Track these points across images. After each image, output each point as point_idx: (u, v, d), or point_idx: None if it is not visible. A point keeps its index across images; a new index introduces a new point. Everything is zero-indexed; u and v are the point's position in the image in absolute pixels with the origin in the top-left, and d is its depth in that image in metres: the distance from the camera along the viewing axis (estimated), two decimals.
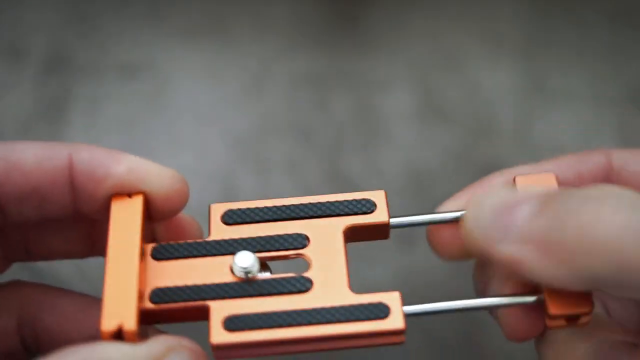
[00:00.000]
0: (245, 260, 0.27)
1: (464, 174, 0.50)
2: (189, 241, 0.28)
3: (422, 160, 0.50)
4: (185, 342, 0.25)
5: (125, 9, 0.54)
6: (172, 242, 0.28)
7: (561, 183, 0.28)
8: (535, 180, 0.28)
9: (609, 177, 0.29)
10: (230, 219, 0.28)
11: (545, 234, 0.24)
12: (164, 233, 0.29)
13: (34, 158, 0.27)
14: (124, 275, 0.26)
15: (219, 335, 0.25)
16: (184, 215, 0.29)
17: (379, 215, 0.29)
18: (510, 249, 0.25)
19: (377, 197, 0.29)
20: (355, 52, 0.53)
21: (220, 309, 0.26)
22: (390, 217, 0.29)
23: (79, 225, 0.30)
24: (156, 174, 0.27)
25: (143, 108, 0.52)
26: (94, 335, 0.28)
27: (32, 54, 0.53)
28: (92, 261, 0.47)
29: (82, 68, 0.52)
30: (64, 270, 0.46)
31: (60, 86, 0.52)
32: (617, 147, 0.52)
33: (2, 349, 0.30)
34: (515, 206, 0.25)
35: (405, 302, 0.26)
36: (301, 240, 0.28)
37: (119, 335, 0.25)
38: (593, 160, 0.30)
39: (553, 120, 0.52)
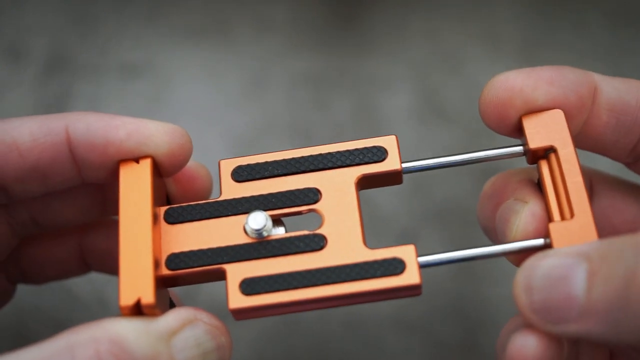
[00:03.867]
0: (257, 222, 0.26)
1: (464, 175, 0.50)
2: (201, 202, 0.27)
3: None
4: (201, 315, 0.25)
5: (126, 9, 0.54)
6: (184, 204, 0.27)
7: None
8: (542, 118, 0.27)
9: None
10: (241, 176, 0.28)
11: (607, 305, 0.22)
12: (175, 184, 0.29)
13: (30, 137, 0.26)
14: (138, 245, 0.25)
15: (236, 300, 0.26)
16: (192, 163, 0.29)
17: (392, 163, 0.28)
18: (574, 328, 0.23)
19: (388, 143, 0.28)
20: (355, 52, 0.54)
21: (236, 272, 0.26)
22: (402, 163, 0.28)
23: (88, 190, 0.30)
24: (156, 134, 0.26)
25: (143, 108, 0.52)
26: (73, 251, 0.30)
27: (33, 54, 0.53)
28: None
29: (83, 68, 0.52)
30: None
31: (61, 86, 0.52)
32: None
33: None
34: (568, 278, 0.23)
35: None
36: (313, 195, 0.28)
37: (137, 308, 0.25)
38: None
39: None
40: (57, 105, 0.51)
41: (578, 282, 0.23)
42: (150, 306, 0.25)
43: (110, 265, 0.33)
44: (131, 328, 0.24)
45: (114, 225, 0.30)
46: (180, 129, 0.27)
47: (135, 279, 0.25)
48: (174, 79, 0.53)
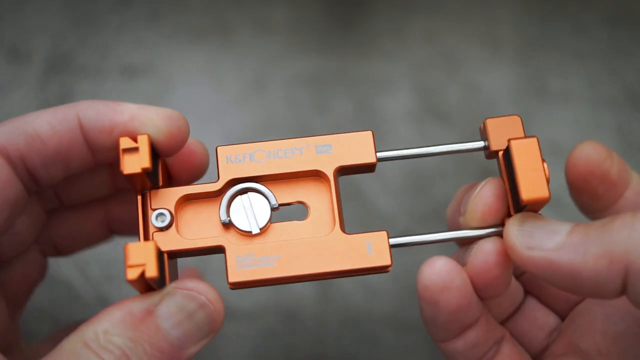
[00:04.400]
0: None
1: (463, 175, 0.51)
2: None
3: (421, 161, 0.50)
4: (182, 284, 0.28)
5: (126, 10, 0.54)
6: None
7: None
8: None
9: None
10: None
11: (582, 239, 0.27)
12: (175, 158, 0.32)
13: (48, 126, 0.29)
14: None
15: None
16: (190, 139, 0.32)
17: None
18: (543, 254, 0.27)
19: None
20: (355, 54, 0.54)
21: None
22: (377, 155, 0.31)
23: (101, 170, 0.33)
24: (156, 117, 0.29)
25: None
26: (101, 220, 0.34)
27: (35, 55, 0.53)
28: (92, 260, 0.47)
29: (84, 69, 0.53)
30: (65, 270, 0.47)
31: (63, 87, 0.52)
32: (616, 147, 0.52)
33: (37, 274, 0.34)
34: (554, 224, 0.28)
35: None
36: None
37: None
38: None
39: (551, 121, 0.52)
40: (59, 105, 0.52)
41: (562, 227, 0.28)
42: (153, 279, 0.27)
43: (131, 228, 0.36)
44: (120, 311, 0.27)
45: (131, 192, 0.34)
46: (178, 113, 0.30)
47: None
48: (175, 80, 0.53)
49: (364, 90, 0.53)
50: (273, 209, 0.31)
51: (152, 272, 0.27)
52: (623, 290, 0.26)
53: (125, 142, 0.28)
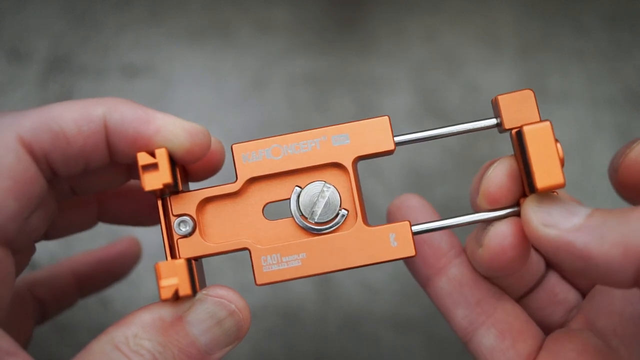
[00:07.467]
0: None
1: (463, 174, 0.51)
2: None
3: (421, 160, 0.50)
4: (213, 291, 0.29)
5: (126, 10, 0.54)
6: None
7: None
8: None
9: None
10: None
11: (600, 223, 0.26)
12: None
13: (75, 125, 0.29)
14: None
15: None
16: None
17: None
18: (558, 234, 0.27)
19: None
20: (355, 53, 0.54)
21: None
22: (395, 140, 0.30)
23: (116, 166, 0.33)
24: (181, 134, 0.29)
25: None
26: (92, 208, 0.35)
27: (35, 55, 0.53)
28: None
29: (84, 69, 0.53)
30: None
31: (63, 87, 0.52)
32: (616, 147, 0.52)
33: (26, 260, 0.33)
34: (575, 207, 0.28)
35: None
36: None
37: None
38: None
39: (552, 121, 0.52)
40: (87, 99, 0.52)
41: (581, 210, 0.27)
42: (186, 296, 0.28)
43: (118, 218, 0.37)
44: (149, 315, 0.27)
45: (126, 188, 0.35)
46: (202, 129, 0.30)
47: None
48: (175, 79, 0.53)
49: (364, 90, 0.53)
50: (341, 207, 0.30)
51: (185, 290, 0.27)
52: (636, 281, 0.26)
53: (143, 159, 0.28)
